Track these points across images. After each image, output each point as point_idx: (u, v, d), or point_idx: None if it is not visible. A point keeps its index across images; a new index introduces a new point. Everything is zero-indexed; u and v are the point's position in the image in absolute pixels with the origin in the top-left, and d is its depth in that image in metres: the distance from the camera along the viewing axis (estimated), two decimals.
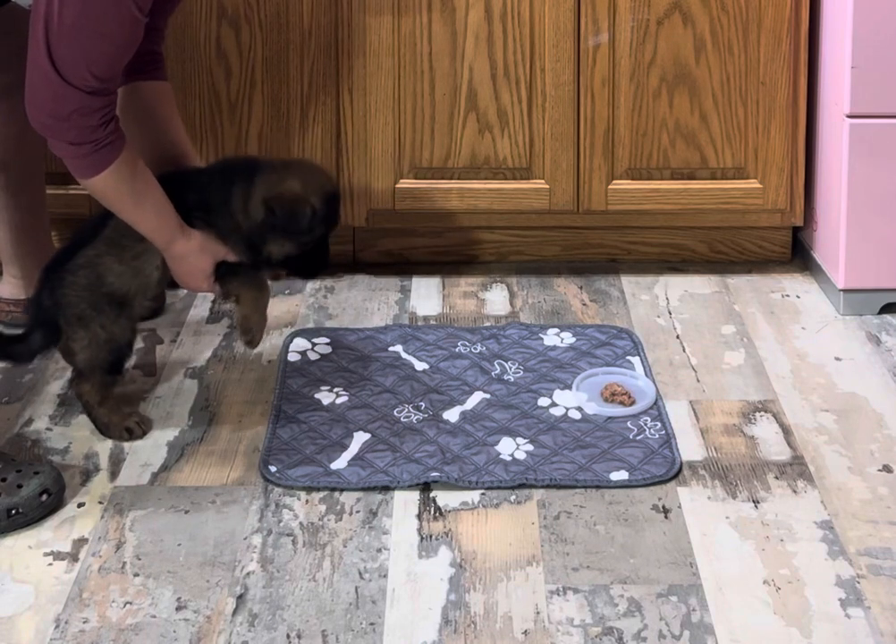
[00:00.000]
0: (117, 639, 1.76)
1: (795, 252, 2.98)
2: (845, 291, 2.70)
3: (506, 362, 2.48)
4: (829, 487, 2.09)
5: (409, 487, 2.09)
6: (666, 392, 2.39)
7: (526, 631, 1.77)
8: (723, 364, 2.50)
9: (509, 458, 2.16)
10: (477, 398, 2.36)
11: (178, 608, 1.82)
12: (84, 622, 1.79)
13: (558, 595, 1.84)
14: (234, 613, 1.81)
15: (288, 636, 1.76)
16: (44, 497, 2.01)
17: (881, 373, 2.46)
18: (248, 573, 1.89)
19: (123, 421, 2.26)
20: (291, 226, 2.20)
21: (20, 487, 2.00)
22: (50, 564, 1.92)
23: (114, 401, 2.28)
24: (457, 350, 2.53)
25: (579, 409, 2.32)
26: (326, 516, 2.03)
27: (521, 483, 2.09)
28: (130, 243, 2.22)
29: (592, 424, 2.27)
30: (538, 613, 1.80)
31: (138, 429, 2.26)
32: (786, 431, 2.26)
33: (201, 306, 2.77)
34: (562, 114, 2.83)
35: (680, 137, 2.84)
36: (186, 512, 2.04)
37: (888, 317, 2.68)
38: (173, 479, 2.13)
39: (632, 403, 2.32)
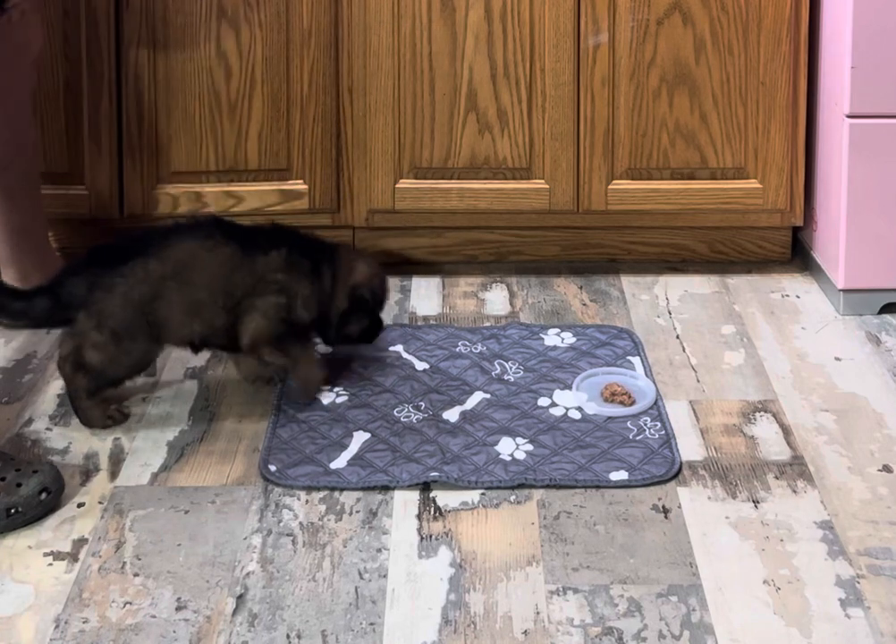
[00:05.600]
0: (117, 639, 1.76)
1: (795, 252, 2.98)
2: (845, 291, 2.70)
3: (506, 362, 2.48)
4: (829, 487, 2.09)
5: (409, 487, 2.09)
6: (666, 392, 2.39)
7: (526, 631, 1.77)
8: (723, 364, 2.50)
9: (508, 458, 2.16)
10: (477, 398, 2.36)
11: (178, 608, 1.82)
12: (84, 622, 1.79)
13: (558, 595, 1.84)
14: (234, 613, 1.81)
15: (288, 636, 1.76)
16: (43, 496, 2.01)
17: (881, 373, 2.46)
18: (248, 573, 1.89)
19: (105, 412, 2.28)
20: (377, 302, 2.43)
21: (19, 485, 2.00)
22: (50, 564, 1.92)
23: (101, 396, 2.29)
24: (457, 350, 2.53)
25: (579, 409, 2.32)
26: (326, 516, 2.03)
27: (521, 483, 2.09)
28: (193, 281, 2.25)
29: (592, 424, 2.27)
30: (538, 613, 1.80)
31: (119, 416, 2.29)
32: (786, 431, 2.26)
33: None
34: (561, 114, 2.83)
35: (680, 137, 2.84)
36: (186, 512, 2.04)
37: (888, 317, 2.68)
38: (173, 479, 2.13)
39: (632, 403, 2.32)
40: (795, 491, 2.08)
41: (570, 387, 2.38)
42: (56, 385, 2.44)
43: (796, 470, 2.14)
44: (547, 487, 2.09)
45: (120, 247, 2.30)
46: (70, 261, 2.31)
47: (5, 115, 2.48)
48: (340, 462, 2.16)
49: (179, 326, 2.26)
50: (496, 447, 2.19)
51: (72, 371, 2.25)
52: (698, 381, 2.44)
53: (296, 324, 2.32)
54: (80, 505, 2.06)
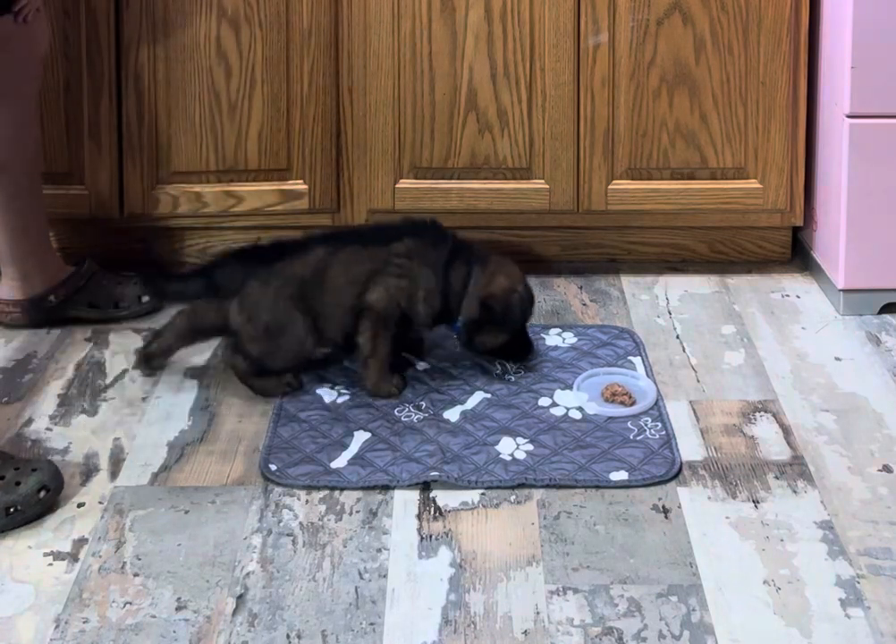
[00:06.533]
0: (117, 639, 1.76)
1: (795, 252, 2.98)
2: (845, 291, 2.70)
3: (507, 362, 2.48)
4: (829, 487, 2.09)
5: (409, 487, 2.09)
6: (666, 392, 2.39)
7: (526, 631, 1.77)
8: (723, 364, 2.50)
9: (509, 458, 2.16)
10: (477, 398, 2.36)
11: (178, 608, 1.82)
12: (84, 622, 1.79)
13: (558, 595, 1.84)
14: (234, 613, 1.81)
15: (288, 636, 1.76)
16: (42, 494, 2.01)
17: (881, 373, 2.46)
18: (248, 573, 1.89)
19: (278, 383, 2.38)
20: (509, 319, 2.39)
21: (18, 484, 2.00)
22: (50, 564, 1.92)
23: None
24: (458, 349, 2.53)
25: (580, 409, 2.32)
26: (326, 516, 2.03)
27: (521, 483, 2.09)
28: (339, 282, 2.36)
29: (592, 424, 2.27)
30: (538, 613, 1.80)
31: (295, 382, 2.38)
32: (786, 431, 2.26)
33: None
34: (561, 114, 2.83)
35: (680, 137, 2.84)
36: (186, 512, 2.04)
37: (888, 317, 2.68)
38: (173, 479, 2.13)
39: (633, 404, 2.32)
40: (795, 491, 2.08)
41: (570, 387, 2.38)
42: (56, 385, 2.43)
43: (796, 470, 2.14)
44: (547, 486, 2.09)
45: (271, 248, 2.42)
46: (226, 251, 2.51)
47: (11, 114, 2.48)
48: (340, 462, 2.16)
49: (324, 327, 2.36)
50: (497, 447, 2.19)
51: (231, 355, 2.38)
52: (698, 381, 2.44)
53: (409, 318, 2.37)
54: (80, 505, 2.06)
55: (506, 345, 2.43)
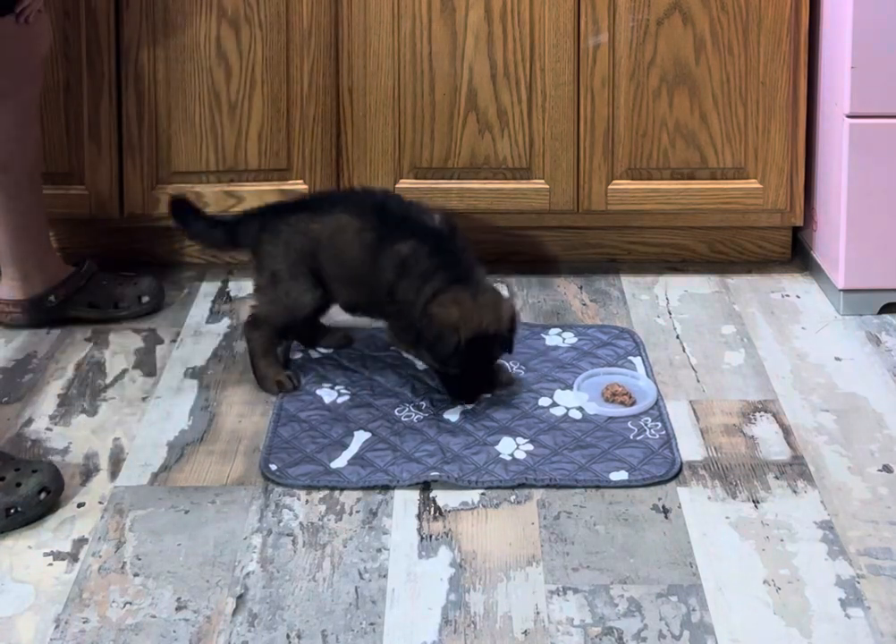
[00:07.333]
0: (117, 640, 1.76)
1: (795, 252, 2.98)
2: (845, 291, 2.70)
3: (507, 362, 2.48)
4: (829, 487, 2.09)
5: (409, 487, 2.09)
6: (666, 392, 2.39)
7: (526, 631, 1.77)
8: (723, 364, 2.50)
9: (509, 458, 2.16)
10: None
11: (178, 608, 1.82)
12: (84, 622, 1.79)
13: (558, 595, 1.84)
14: (234, 613, 1.81)
15: (288, 636, 1.76)
16: (42, 496, 2.01)
17: (881, 373, 2.46)
18: (248, 573, 1.89)
19: (276, 376, 2.39)
20: (433, 350, 2.25)
21: (18, 485, 2.00)
22: (50, 564, 1.92)
23: (275, 357, 2.41)
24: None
25: (580, 409, 2.31)
26: (326, 516, 2.03)
27: (521, 483, 2.09)
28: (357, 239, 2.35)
29: (592, 424, 2.27)
30: (538, 613, 1.80)
31: (289, 383, 2.38)
32: (786, 431, 2.26)
33: (201, 306, 2.77)
34: (561, 114, 2.83)
35: (680, 137, 2.84)
36: (186, 512, 2.04)
37: (888, 317, 2.68)
38: (173, 479, 2.13)
39: (633, 404, 2.32)
40: (795, 491, 2.08)
41: (571, 387, 2.38)
42: (56, 386, 2.43)
43: (796, 470, 2.14)
44: (547, 486, 2.09)
45: (298, 202, 2.49)
46: (253, 208, 2.52)
47: (13, 114, 2.48)
48: (340, 462, 2.16)
49: (333, 288, 2.38)
50: (497, 447, 2.19)
51: (250, 329, 2.41)
52: (698, 381, 2.44)
53: None
54: (80, 505, 2.06)
55: (445, 376, 2.30)
